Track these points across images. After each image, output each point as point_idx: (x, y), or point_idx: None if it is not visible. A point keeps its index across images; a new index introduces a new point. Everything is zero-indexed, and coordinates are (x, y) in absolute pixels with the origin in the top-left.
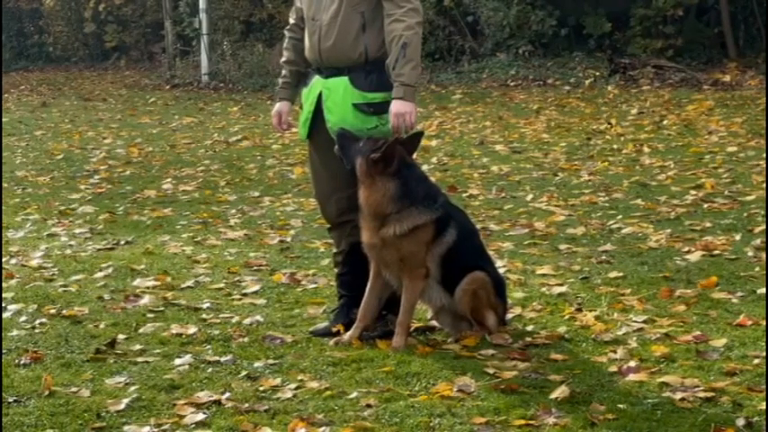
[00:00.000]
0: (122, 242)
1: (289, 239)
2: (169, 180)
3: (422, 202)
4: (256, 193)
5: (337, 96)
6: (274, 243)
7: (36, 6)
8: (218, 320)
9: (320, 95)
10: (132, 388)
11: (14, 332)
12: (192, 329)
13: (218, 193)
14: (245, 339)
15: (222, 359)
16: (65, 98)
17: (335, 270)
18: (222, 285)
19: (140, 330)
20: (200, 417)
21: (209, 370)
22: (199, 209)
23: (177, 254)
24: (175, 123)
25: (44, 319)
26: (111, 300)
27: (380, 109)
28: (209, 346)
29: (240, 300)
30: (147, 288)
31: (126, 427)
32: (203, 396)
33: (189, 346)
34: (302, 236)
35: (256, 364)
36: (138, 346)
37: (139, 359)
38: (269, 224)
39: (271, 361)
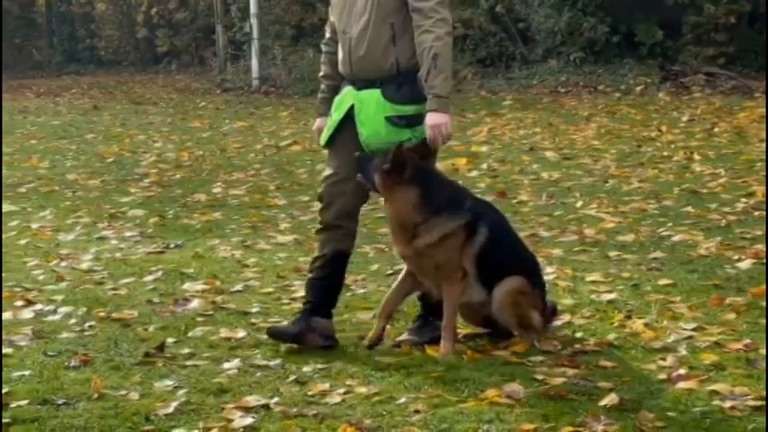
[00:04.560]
0: (172, 246)
1: None
2: (219, 184)
3: (447, 209)
4: (306, 198)
5: (370, 110)
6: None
7: (88, 10)
8: (268, 325)
9: (352, 107)
10: (181, 391)
11: (64, 335)
12: (241, 333)
13: (267, 198)
14: (295, 344)
15: (271, 363)
16: (116, 102)
17: (310, 274)
18: (271, 289)
19: (189, 334)
20: (249, 421)
21: (258, 374)
22: (249, 213)
23: (227, 258)
24: (226, 127)
25: (94, 322)
26: (161, 303)
27: (414, 121)
28: (257, 351)
29: (289, 304)
30: (197, 292)
31: (175, 431)
32: (252, 400)
33: (238, 350)
34: None
35: (305, 369)
36: (186, 350)
37: (188, 363)
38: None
39: (319, 365)
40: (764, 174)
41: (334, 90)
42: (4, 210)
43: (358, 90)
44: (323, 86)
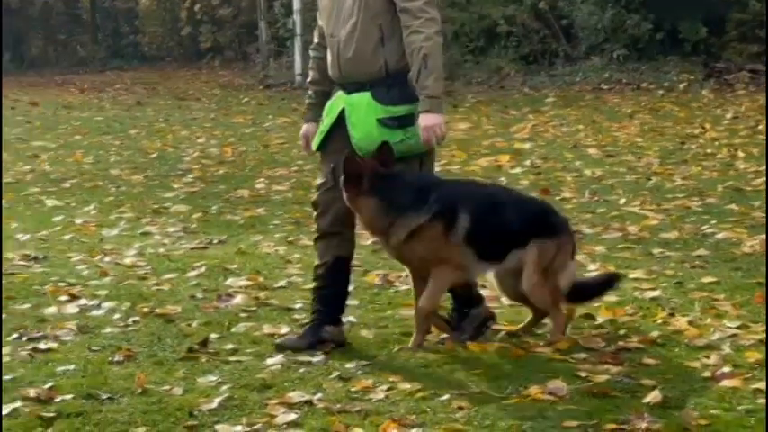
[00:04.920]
0: (215, 241)
1: None
2: (262, 180)
3: (410, 208)
4: None
5: (360, 112)
6: (367, 244)
7: (132, 6)
8: (310, 320)
9: (343, 111)
10: (224, 387)
11: (108, 330)
12: (284, 329)
13: (311, 194)
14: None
15: (314, 360)
16: (159, 97)
17: (314, 283)
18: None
19: (233, 330)
20: (292, 417)
21: (301, 370)
22: (292, 209)
23: (270, 254)
24: (269, 123)
25: (137, 318)
26: (204, 299)
27: (405, 122)
28: None
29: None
30: (240, 288)
31: (218, 426)
32: (295, 396)
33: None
34: None
35: (348, 365)
36: (230, 346)
37: (231, 358)
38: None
39: (363, 362)
40: None
41: (323, 96)
42: (48, 204)
43: (348, 94)
44: (310, 92)
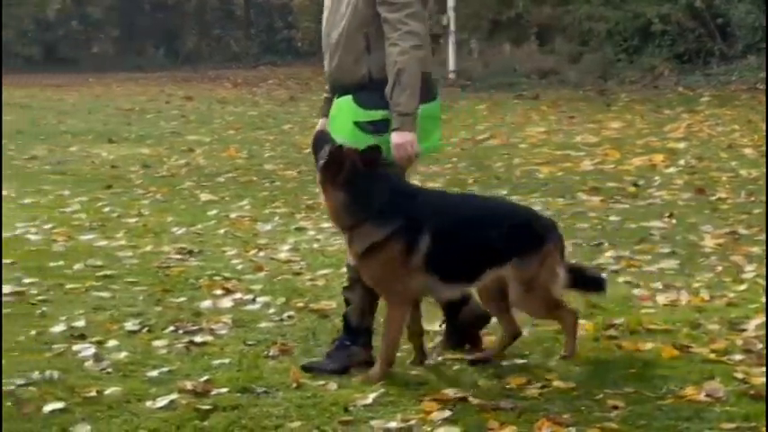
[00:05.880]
0: None
1: None
2: (417, 177)
3: (376, 216)
4: (504, 192)
5: (342, 115)
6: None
7: (286, 2)
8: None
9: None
10: (379, 383)
11: (263, 324)
12: (436, 326)
13: (465, 191)
14: (492, 338)
15: (468, 357)
16: (312, 93)
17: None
18: None
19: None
20: (447, 413)
21: (456, 367)
22: None
23: None
24: None
25: (292, 312)
26: None
27: (381, 127)
28: None
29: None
30: None
31: (373, 422)
32: (450, 393)
33: (436, 342)
34: None
35: (503, 363)
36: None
37: None
38: None
39: (517, 360)
40: None
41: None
42: (203, 199)
43: (337, 97)
44: (327, 86)
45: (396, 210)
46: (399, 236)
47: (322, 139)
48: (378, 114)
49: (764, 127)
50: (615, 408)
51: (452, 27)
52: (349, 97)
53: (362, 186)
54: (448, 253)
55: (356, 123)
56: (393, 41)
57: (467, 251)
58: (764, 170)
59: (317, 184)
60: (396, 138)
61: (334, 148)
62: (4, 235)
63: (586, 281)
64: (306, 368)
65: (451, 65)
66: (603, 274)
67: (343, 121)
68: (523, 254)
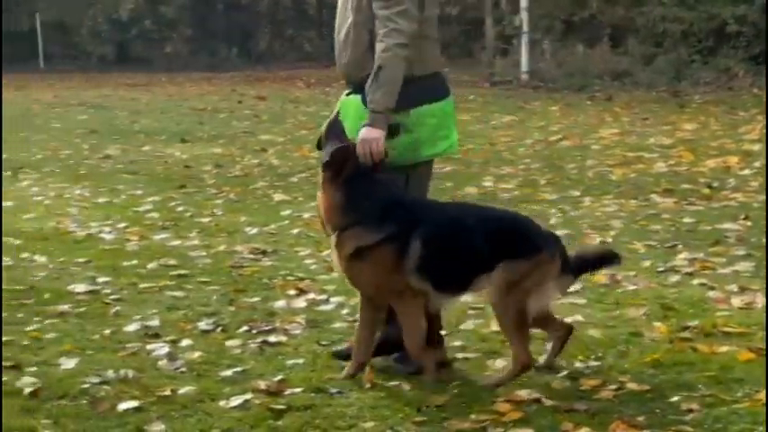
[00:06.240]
0: None
1: (609, 240)
2: (489, 178)
3: (368, 220)
4: (577, 193)
5: (350, 115)
6: (594, 243)
7: None
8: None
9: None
10: (452, 384)
11: (337, 324)
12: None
13: (538, 192)
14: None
15: (541, 358)
16: None
17: None
18: None
19: (461, 327)
20: (520, 414)
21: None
22: (519, 207)
23: None
24: (495, 121)
25: None
26: None
27: (389, 132)
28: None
29: (561, 299)
30: None
31: (446, 423)
32: (523, 394)
33: (509, 345)
34: (622, 237)
35: (576, 365)
36: (458, 343)
37: (459, 355)
38: (589, 224)
39: (591, 362)
40: None
41: None
42: (276, 198)
43: (347, 95)
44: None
45: (388, 216)
46: (389, 243)
47: (333, 132)
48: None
49: None
50: (690, 411)
51: (525, 28)
52: (358, 98)
53: (360, 189)
54: (439, 260)
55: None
56: (379, 38)
57: (458, 258)
58: None
59: (319, 178)
60: (363, 133)
61: (337, 147)
62: (78, 234)
63: (595, 261)
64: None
65: (524, 66)
66: (610, 250)
67: (353, 123)
68: (512, 259)
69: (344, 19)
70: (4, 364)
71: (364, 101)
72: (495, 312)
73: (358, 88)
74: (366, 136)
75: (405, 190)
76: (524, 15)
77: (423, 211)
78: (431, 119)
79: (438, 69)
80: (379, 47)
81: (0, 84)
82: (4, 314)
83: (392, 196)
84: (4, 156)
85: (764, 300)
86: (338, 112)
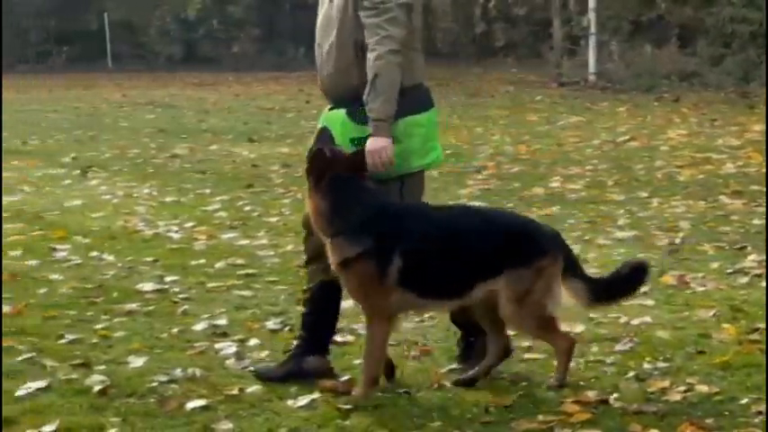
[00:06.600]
0: None
1: (677, 241)
2: (557, 178)
3: (351, 230)
4: (644, 194)
5: (336, 131)
6: (663, 244)
7: (426, 3)
8: (606, 320)
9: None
10: (519, 384)
11: (404, 324)
12: (579, 328)
13: (605, 193)
14: (635, 340)
15: (608, 359)
16: (452, 93)
17: (302, 309)
18: None
19: None
20: (588, 416)
21: (597, 369)
22: (586, 208)
23: None
24: (562, 122)
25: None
26: None
27: None
28: (595, 346)
29: (629, 300)
30: None
31: (513, 423)
32: (591, 395)
33: (576, 345)
34: (691, 238)
35: (645, 366)
36: (525, 344)
37: (526, 356)
38: (657, 225)
39: (660, 363)
40: None
41: None
42: None
43: (329, 110)
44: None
45: (372, 227)
46: (370, 255)
47: (322, 142)
48: (371, 130)
49: None
50: (759, 413)
51: (593, 28)
52: (342, 112)
53: (345, 197)
54: (427, 269)
55: (352, 140)
56: (371, 46)
57: (451, 265)
58: None
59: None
60: (370, 144)
61: (316, 153)
62: (146, 233)
63: (626, 282)
64: (256, 373)
65: (592, 67)
66: (640, 262)
67: (339, 137)
68: (517, 266)
69: (327, 30)
70: (73, 362)
71: (349, 114)
72: (512, 326)
73: (341, 102)
74: (373, 147)
75: (397, 199)
76: (592, 16)
77: (407, 220)
78: (419, 129)
79: (423, 80)
80: (371, 56)
81: (0, 84)
82: (73, 312)
83: (377, 205)
84: (73, 155)
85: None
86: (323, 127)
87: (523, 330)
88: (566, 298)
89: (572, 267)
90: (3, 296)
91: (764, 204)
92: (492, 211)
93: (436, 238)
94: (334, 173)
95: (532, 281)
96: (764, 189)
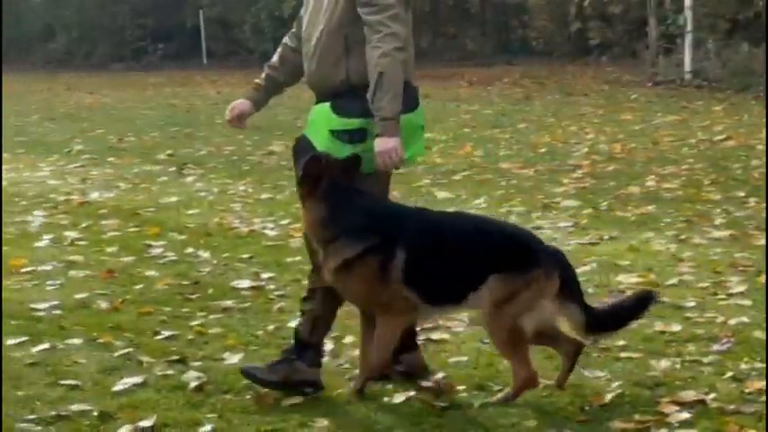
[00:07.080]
0: (606, 237)
1: None
2: (652, 177)
3: (350, 233)
4: (742, 193)
5: (319, 123)
6: (760, 244)
7: (521, 1)
8: (703, 320)
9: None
10: (615, 383)
11: None
12: (675, 327)
13: (702, 192)
14: (732, 340)
15: (705, 359)
16: (547, 92)
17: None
18: (707, 284)
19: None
20: (685, 416)
21: (694, 369)
22: (683, 207)
23: (661, 251)
24: (658, 121)
25: None
26: (595, 294)
27: (356, 137)
28: (692, 345)
29: (726, 300)
30: (631, 284)
31: (609, 423)
32: (687, 395)
33: (672, 345)
34: None
35: (742, 366)
36: (621, 342)
37: (622, 355)
38: (755, 225)
39: (757, 364)
40: None
41: (272, 83)
42: (439, 196)
43: (316, 103)
44: (263, 74)
45: (369, 227)
46: (374, 252)
47: (302, 147)
48: (354, 123)
49: None
50: None
51: (689, 27)
52: (327, 104)
53: (339, 201)
54: (426, 271)
55: (331, 132)
56: (374, 44)
57: (447, 269)
58: None
59: (298, 194)
60: (379, 144)
61: (309, 160)
62: (242, 230)
63: (628, 312)
64: (244, 372)
65: (687, 65)
66: (648, 293)
67: (319, 127)
68: (506, 270)
69: (314, 26)
70: (169, 358)
71: (333, 106)
72: (486, 331)
73: (327, 97)
74: (383, 148)
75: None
76: (688, 14)
77: (406, 220)
78: (403, 129)
79: (411, 80)
80: (375, 53)
81: (0, 84)
82: (169, 308)
83: (375, 207)
84: (168, 152)
85: None
86: (302, 136)
87: (493, 339)
88: (561, 322)
89: (570, 290)
90: (99, 292)
91: None
92: (492, 219)
93: (436, 238)
94: (328, 178)
95: (518, 290)
96: None
